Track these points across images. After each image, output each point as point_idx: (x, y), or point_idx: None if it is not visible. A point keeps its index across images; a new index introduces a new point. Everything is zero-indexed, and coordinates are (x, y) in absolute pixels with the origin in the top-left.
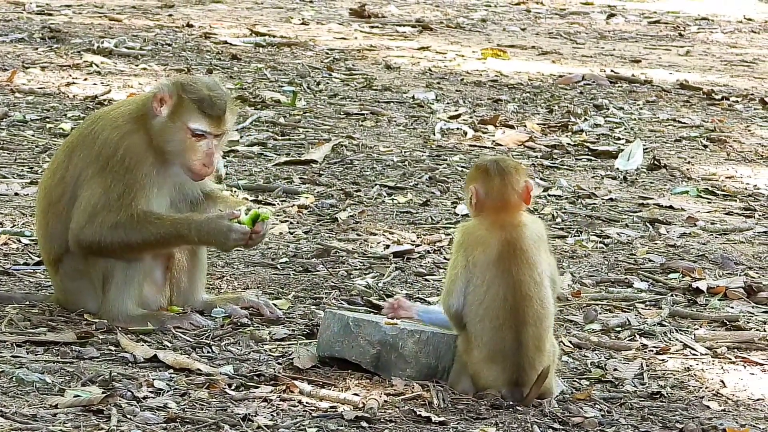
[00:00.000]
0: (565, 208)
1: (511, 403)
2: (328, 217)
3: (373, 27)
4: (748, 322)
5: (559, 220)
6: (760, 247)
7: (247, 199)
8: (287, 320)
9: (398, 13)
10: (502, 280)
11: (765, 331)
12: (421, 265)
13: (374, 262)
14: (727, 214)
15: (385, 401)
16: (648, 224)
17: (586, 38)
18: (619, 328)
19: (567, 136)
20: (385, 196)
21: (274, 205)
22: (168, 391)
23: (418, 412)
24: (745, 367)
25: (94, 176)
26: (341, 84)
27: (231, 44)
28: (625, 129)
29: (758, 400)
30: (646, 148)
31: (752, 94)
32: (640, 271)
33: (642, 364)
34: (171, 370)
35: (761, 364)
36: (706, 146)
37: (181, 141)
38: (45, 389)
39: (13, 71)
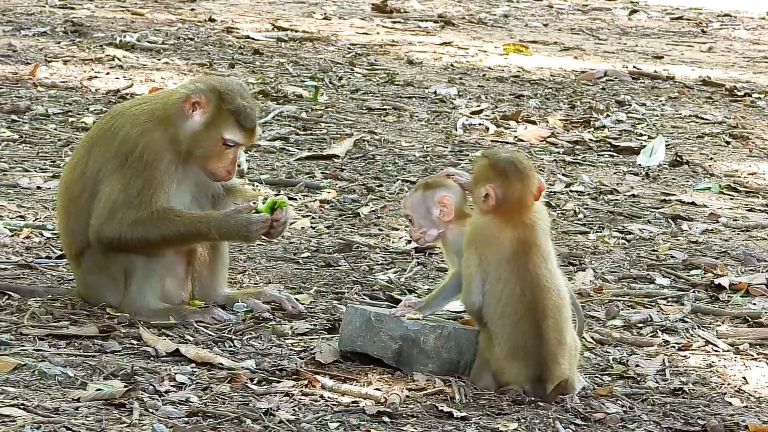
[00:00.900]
0: (587, 204)
1: (534, 399)
2: (350, 212)
3: (395, 22)
4: None
5: (581, 216)
6: None
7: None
8: (309, 315)
9: (420, 9)
10: (518, 277)
11: None
12: (442, 261)
13: (396, 257)
14: (749, 210)
15: (407, 396)
16: (670, 220)
17: (609, 34)
18: (641, 324)
19: (589, 132)
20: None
21: (296, 199)
22: (190, 386)
23: (439, 407)
24: (767, 363)
25: (114, 172)
26: (363, 79)
27: (253, 39)
28: (648, 125)
29: None
30: (669, 145)
31: None
32: (662, 268)
33: (664, 360)
34: (193, 365)
35: None
36: (728, 142)
37: (212, 148)
38: (67, 383)
39: (36, 65)
